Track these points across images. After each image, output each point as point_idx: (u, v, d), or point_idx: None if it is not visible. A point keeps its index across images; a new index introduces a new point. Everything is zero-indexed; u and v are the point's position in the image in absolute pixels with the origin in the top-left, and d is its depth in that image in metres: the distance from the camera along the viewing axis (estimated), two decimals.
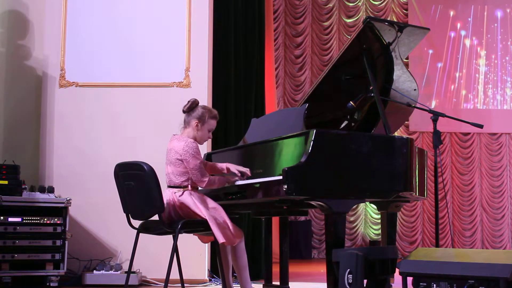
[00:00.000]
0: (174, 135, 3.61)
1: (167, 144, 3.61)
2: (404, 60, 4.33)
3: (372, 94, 3.63)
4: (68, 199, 4.81)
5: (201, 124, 3.58)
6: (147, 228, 3.61)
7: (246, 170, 3.54)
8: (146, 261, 4.91)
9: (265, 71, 6.26)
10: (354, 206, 8.13)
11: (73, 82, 5.34)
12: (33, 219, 4.71)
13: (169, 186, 3.55)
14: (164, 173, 3.57)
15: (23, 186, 4.77)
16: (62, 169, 5.24)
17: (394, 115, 3.96)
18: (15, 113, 5.45)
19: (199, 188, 3.63)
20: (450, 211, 9.39)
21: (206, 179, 3.46)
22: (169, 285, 3.48)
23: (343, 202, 3.18)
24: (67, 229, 4.79)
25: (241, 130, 5.38)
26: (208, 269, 5.18)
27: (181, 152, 3.46)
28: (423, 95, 9.46)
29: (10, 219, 4.64)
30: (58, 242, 4.74)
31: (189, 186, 3.49)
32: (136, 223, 3.62)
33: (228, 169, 3.65)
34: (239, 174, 3.53)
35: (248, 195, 3.43)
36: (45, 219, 4.74)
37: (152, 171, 3.34)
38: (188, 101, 3.62)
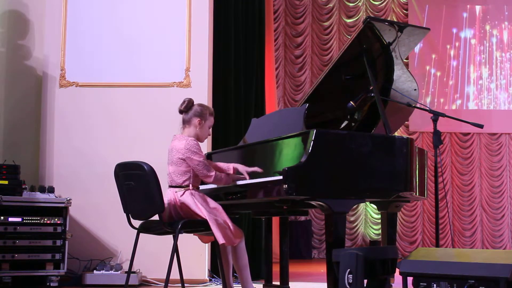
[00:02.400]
0: (175, 135, 3.62)
1: (169, 144, 3.62)
2: (404, 60, 4.33)
3: (372, 94, 3.63)
4: (68, 199, 4.81)
5: (204, 122, 3.60)
6: (147, 228, 3.61)
7: (255, 169, 3.51)
8: (146, 261, 4.91)
9: (265, 71, 6.26)
10: (354, 206, 8.13)
11: (73, 82, 5.34)
12: (33, 219, 4.71)
13: (170, 186, 3.55)
14: (165, 173, 3.57)
15: (23, 186, 4.77)
16: (62, 169, 5.23)
17: (394, 115, 3.97)
18: (15, 113, 5.46)
19: (200, 188, 3.64)
20: (450, 211, 9.39)
21: (213, 173, 3.47)
22: (169, 285, 3.48)
23: (343, 202, 3.18)
24: (67, 229, 4.79)
25: (241, 130, 5.38)
26: (208, 269, 5.18)
27: (182, 151, 3.47)
28: (423, 95, 9.47)
29: (10, 219, 4.64)
30: (58, 242, 4.74)
31: (190, 185, 3.50)
32: (136, 223, 3.62)
33: (235, 169, 3.63)
34: (248, 177, 3.51)
35: (248, 195, 3.44)
36: (45, 219, 4.74)
37: (152, 171, 3.35)
38: (184, 101, 3.63)
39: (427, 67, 9.61)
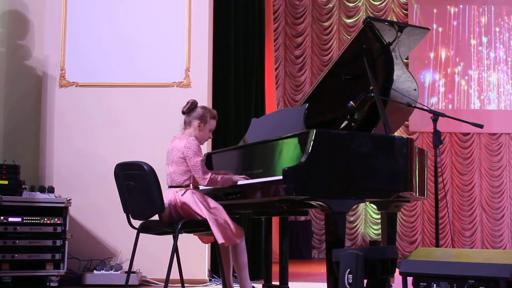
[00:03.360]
0: (175, 136, 3.62)
1: (168, 145, 3.62)
2: (404, 60, 4.33)
3: (372, 94, 3.63)
4: (68, 199, 4.81)
5: (203, 124, 3.61)
6: (147, 228, 3.61)
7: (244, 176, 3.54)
8: (146, 261, 4.91)
9: (265, 71, 6.26)
10: (354, 206, 8.12)
11: (73, 82, 5.34)
12: (33, 219, 4.71)
13: (170, 186, 3.55)
14: (164, 174, 3.57)
15: (23, 186, 4.78)
16: (62, 169, 5.23)
17: (394, 115, 3.96)
18: (15, 113, 5.45)
19: (200, 188, 3.64)
20: (450, 211, 9.39)
21: (208, 176, 3.46)
22: (169, 285, 3.48)
23: (343, 202, 3.18)
24: (67, 229, 4.79)
25: (241, 130, 5.38)
26: (208, 269, 5.18)
27: (183, 150, 3.48)
28: (423, 95, 9.47)
29: (10, 219, 4.64)
30: (58, 242, 4.74)
31: (191, 185, 3.50)
32: (136, 223, 3.62)
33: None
34: (247, 178, 3.51)
35: (248, 195, 3.44)
36: (45, 219, 4.74)
37: (152, 171, 3.35)
38: (187, 102, 3.64)
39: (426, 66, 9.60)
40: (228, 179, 3.52)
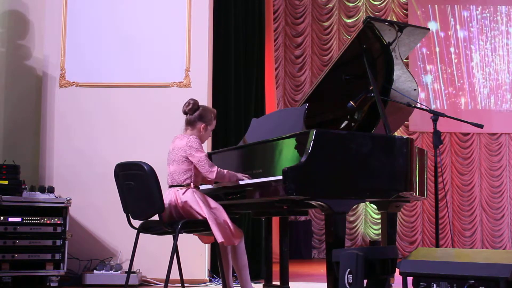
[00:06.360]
0: (176, 136, 3.62)
1: (169, 145, 3.62)
2: (404, 60, 4.33)
3: (372, 94, 3.63)
4: (68, 199, 4.81)
5: (208, 126, 3.62)
6: (147, 228, 3.61)
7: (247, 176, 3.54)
8: (146, 261, 4.91)
9: (265, 71, 6.26)
10: (354, 206, 8.13)
11: (73, 82, 5.34)
12: (33, 219, 4.71)
13: (171, 186, 3.55)
14: (165, 173, 3.57)
15: (23, 186, 4.77)
16: (62, 169, 5.23)
17: (394, 115, 3.97)
18: (15, 113, 5.45)
19: (200, 188, 3.64)
20: (450, 211, 9.39)
21: (215, 169, 3.46)
22: (169, 285, 3.48)
23: (343, 202, 3.18)
24: (67, 229, 4.79)
25: (241, 130, 5.38)
26: (208, 269, 5.18)
27: (184, 148, 3.48)
28: (426, 96, 9.47)
29: (10, 219, 4.64)
30: (58, 242, 4.74)
31: (192, 184, 3.50)
32: (136, 223, 3.62)
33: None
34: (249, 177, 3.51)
35: (248, 195, 3.44)
36: (45, 219, 4.74)
37: (152, 171, 3.35)
38: (189, 102, 3.62)
39: (426, 67, 9.60)
40: (233, 175, 3.53)
